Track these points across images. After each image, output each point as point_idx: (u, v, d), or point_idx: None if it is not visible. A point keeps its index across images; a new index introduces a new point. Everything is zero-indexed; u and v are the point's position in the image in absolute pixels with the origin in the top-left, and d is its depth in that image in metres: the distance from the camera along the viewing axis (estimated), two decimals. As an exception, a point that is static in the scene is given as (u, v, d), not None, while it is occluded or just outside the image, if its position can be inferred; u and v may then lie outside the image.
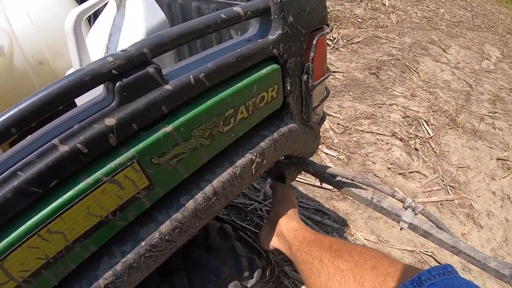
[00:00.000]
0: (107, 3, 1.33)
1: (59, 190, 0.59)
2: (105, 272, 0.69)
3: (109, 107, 0.61)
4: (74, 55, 1.13)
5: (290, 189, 1.28)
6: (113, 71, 0.58)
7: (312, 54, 0.98)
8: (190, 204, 0.76)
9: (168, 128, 0.67)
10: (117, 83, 0.60)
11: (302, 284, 1.85)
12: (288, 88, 0.94)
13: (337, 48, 4.06)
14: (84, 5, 1.14)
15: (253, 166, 0.87)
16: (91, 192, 0.61)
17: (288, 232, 1.04)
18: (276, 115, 0.98)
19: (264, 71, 0.84)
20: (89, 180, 0.60)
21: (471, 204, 2.47)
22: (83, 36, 1.15)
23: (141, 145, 0.64)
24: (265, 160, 0.91)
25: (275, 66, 0.88)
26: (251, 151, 0.86)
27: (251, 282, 1.18)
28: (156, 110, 0.65)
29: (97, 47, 1.30)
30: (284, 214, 1.11)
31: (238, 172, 0.83)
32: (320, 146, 2.70)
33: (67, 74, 1.29)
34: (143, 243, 0.72)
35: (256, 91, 0.83)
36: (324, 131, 2.84)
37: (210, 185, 0.79)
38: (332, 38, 4.18)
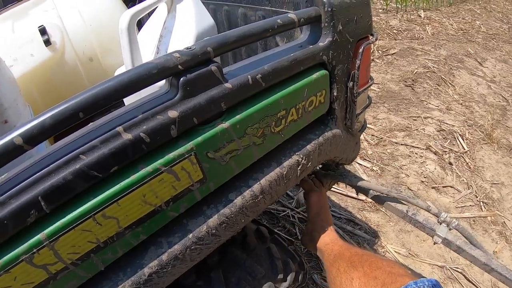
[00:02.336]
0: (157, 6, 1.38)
1: (119, 176, 0.62)
2: (151, 261, 0.71)
3: (173, 101, 0.64)
4: (126, 53, 1.18)
5: (325, 198, 1.32)
6: (179, 66, 0.61)
7: (358, 62, 1.00)
8: (238, 201, 0.79)
9: (225, 125, 0.70)
10: (182, 78, 0.63)
11: (329, 292, 1.85)
12: (335, 94, 0.96)
13: (372, 59, 4.03)
14: (138, 6, 1.19)
15: (298, 168, 0.89)
16: (149, 181, 0.63)
17: (321, 245, 1.14)
18: (322, 120, 1.00)
19: (314, 76, 0.87)
20: (148, 168, 0.63)
21: (504, 222, 2.39)
22: (136, 36, 1.20)
23: (200, 138, 0.67)
24: (310, 163, 0.93)
25: (324, 72, 0.91)
26: (298, 153, 0.89)
27: (284, 285, 1.18)
28: (215, 106, 0.68)
29: (148, 47, 1.34)
30: (321, 229, 1.20)
31: (285, 172, 0.85)
32: (354, 157, 2.69)
33: (117, 72, 1.35)
34: (190, 235, 0.74)
35: (306, 95, 0.85)
36: (359, 141, 2.82)
37: (258, 183, 0.81)
38: (368, 49, 4.14)
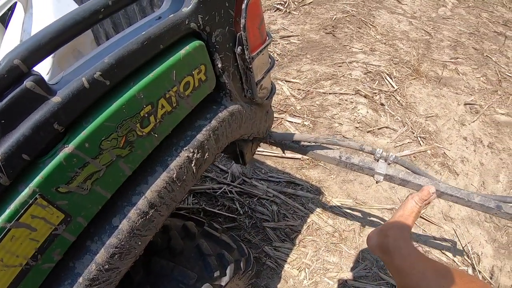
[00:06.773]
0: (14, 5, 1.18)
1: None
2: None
3: (-11, 143, 0.49)
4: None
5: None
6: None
7: (243, 21, 0.85)
8: (124, 225, 0.66)
9: (69, 148, 0.55)
10: (-9, 112, 0.48)
11: (284, 262, 1.80)
12: (219, 65, 0.82)
13: (289, 12, 3.90)
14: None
15: (192, 165, 0.76)
16: (-2, 244, 0.50)
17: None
18: (212, 100, 0.86)
19: (183, 51, 0.72)
20: (-9, 230, 0.50)
21: (444, 152, 2.44)
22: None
23: (40, 176, 0.53)
24: (207, 154, 0.80)
25: (196, 43, 0.76)
26: (186, 148, 0.75)
27: (225, 279, 1.10)
28: (47, 131, 0.53)
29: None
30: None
31: (174, 175, 0.72)
32: (283, 115, 2.62)
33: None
34: (81, 280, 0.62)
35: (175, 78, 0.71)
36: (285, 98, 2.75)
37: (143, 197, 0.68)
38: (283, 2, 4.00)
